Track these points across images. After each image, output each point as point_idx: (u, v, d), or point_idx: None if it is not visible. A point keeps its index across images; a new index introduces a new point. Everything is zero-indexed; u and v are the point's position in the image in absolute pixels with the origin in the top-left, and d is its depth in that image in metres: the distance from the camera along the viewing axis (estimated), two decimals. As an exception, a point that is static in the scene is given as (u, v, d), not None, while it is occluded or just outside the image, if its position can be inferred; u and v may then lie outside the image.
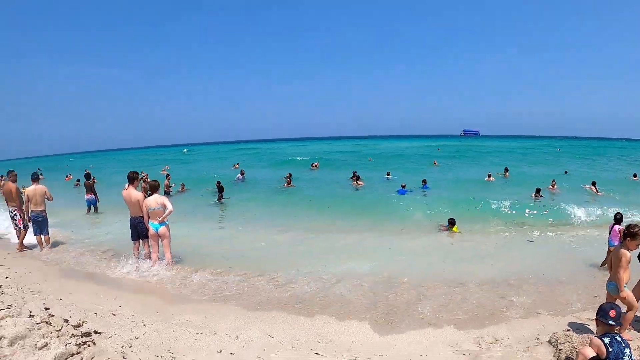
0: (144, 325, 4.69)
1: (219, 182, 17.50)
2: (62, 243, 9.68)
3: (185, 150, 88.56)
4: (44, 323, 4.68)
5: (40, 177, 9.30)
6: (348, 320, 4.88)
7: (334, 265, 7.03)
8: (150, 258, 7.28)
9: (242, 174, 22.62)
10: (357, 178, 18.97)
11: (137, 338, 4.29)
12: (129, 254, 7.71)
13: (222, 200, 15.70)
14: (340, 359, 3.89)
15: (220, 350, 3.97)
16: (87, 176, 14.41)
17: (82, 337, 4.35)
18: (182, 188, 19.52)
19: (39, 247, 9.17)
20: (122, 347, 4.06)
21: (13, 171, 9.43)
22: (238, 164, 33.45)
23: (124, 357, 3.86)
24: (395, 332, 4.57)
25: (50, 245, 9.27)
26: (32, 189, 8.84)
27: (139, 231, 7.24)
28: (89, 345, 4.13)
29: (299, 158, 37.92)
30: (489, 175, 19.81)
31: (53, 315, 4.98)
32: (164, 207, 6.79)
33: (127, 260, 7.49)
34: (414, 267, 7.05)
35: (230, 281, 6.42)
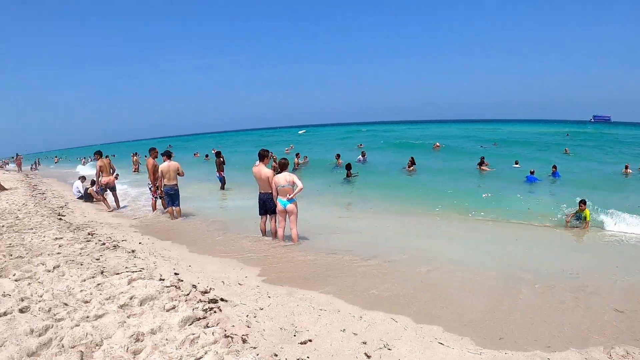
0: (269, 297, 5.04)
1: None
2: (192, 215, 11.20)
3: (302, 131, 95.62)
4: (173, 287, 5.19)
5: (171, 154, 10.93)
6: (469, 314, 4.87)
7: (455, 255, 7.18)
8: (276, 233, 8.02)
9: (363, 155, 23.95)
10: (482, 163, 19.81)
11: (261, 309, 4.62)
12: (255, 228, 8.66)
13: (350, 177, 17.19)
14: (464, 352, 3.87)
15: (344, 329, 4.14)
16: (217, 154, 16.27)
17: (209, 303, 4.72)
18: (305, 159, 23.36)
19: (170, 217, 10.71)
20: (247, 316, 4.39)
21: (154, 148, 11.44)
22: (362, 144, 36.89)
23: (248, 326, 4.12)
24: (518, 331, 4.52)
25: (181, 216, 10.70)
26: (165, 165, 10.39)
27: (267, 207, 8.00)
28: (215, 312, 4.45)
29: (412, 141, 40.18)
30: (626, 167, 19.44)
31: (182, 281, 5.52)
32: (293, 184, 7.49)
33: (253, 234, 8.45)
34: (540, 262, 7.06)
35: (351, 262, 6.71)
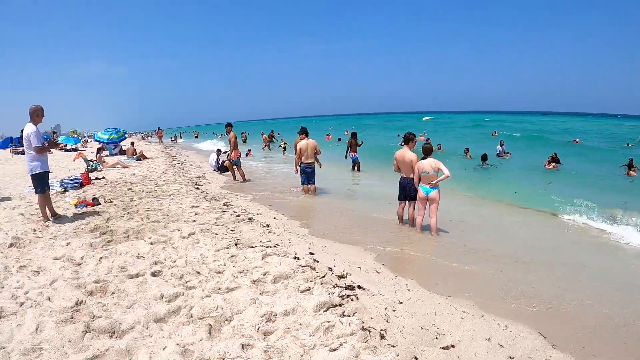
0: (408, 290, 4.88)
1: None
2: (325, 194, 11.40)
3: (427, 117, 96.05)
4: (308, 267, 5.09)
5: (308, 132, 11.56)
6: (613, 342, 4.24)
7: (600, 271, 6.35)
8: (413, 221, 7.96)
9: (501, 144, 22.90)
10: (631, 166, 18.38)
11: (401, 302, 4.48)
12: (390, 213, 8.74)
13: (485, 164, 18.05)
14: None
15: (489, 339, 3.90)
16: (353, 135, 16.98)
17: (345, 289, 4.55)
18: (439, 147, 24.32)
19: (304, 194, 11.11)
20: (386, 309, 4.21)
21: (304, 127, 11.76)
22: (496, 132, 38.75)
23: (387, 321, 3.92)
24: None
25: (315, 195, 11.05)
26: (304, 143, 11.08)
27: (407, 192, 7.98)
28: (352, 300, 4.28)
29: (546, 135, 38.50)
30: None
31: (317, 262, 5.42)
32: (439, 171, 7.52)
33: (389, 219, 8.54)
34: None
35: (490, 261, 6.32)
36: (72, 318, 3.57)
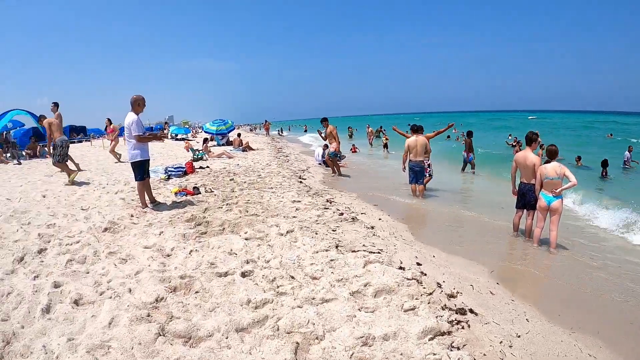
0: (527, 320, 4.23)
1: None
2: (435, 195, 10.96)
3: (532, 117, 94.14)
4: (414, 281, 4.55)
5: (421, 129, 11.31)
6: None
7: None
8: (531, 232, 7.34)
9: (629, 150, 20.49)
10: None
11: (518, 336, 3.85)
12: (504, 222, 8.22)
13: (605, 176, 16.70)
14: None
15: None
16: (469, 134, 16.69)
17: (456, 313, 3.98)
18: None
19: (412, 194, 10.66)
20: (501, 343, 3.64)
21: (416, 125, 11.50)
22: (611, 134, 37.61)
23: (502, 359, 3.35)
24: None
25: (423, 196, 10.54)
26: (413, 140, 10.77)
27: (527, 200, 7.40)
28: (462, 327, 3.72)
29: None
30: None
31: (425, 274, 4.89)
32: (564, 178, 6.98)
33: (504, 227, 7.96)
34: None
35: (620, 290, 5.45)
36: (148, 316, 3.40)
